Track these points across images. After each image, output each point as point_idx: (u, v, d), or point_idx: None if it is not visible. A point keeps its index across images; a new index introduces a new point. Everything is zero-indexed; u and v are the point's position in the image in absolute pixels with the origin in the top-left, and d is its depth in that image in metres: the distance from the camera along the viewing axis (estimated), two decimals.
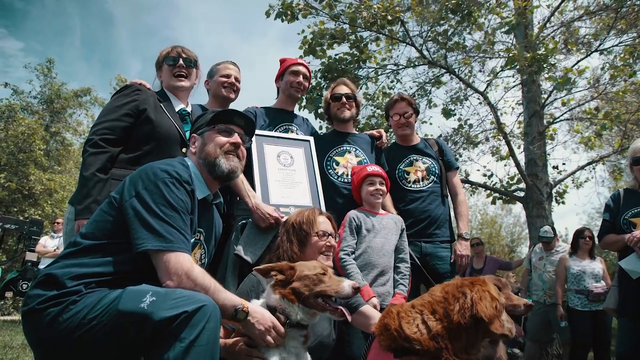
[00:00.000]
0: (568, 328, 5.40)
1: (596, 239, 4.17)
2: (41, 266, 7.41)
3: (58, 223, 8.42)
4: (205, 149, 1.93)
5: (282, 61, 3.41)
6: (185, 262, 1.56)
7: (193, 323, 1.36)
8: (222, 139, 1.96)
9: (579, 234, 5.50)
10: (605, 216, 3.31)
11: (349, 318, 1.87)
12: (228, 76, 3.13)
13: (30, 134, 15.25)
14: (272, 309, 1.77)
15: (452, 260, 3.24)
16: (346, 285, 1.79)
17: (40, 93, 18.04)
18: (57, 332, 1.45)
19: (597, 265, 5.29)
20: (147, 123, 2.42)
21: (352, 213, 2.93)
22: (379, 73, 8.62)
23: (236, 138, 1.99)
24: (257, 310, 1.69)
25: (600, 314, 5.03)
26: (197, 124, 2.05)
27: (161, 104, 2.55)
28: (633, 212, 3.12)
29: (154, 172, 1.68)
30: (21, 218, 12.58)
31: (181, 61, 2.71)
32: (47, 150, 17.27)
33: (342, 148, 3.29)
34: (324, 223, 2.35)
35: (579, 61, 7.75)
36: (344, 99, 3.35)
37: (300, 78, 3.29)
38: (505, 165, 9.22)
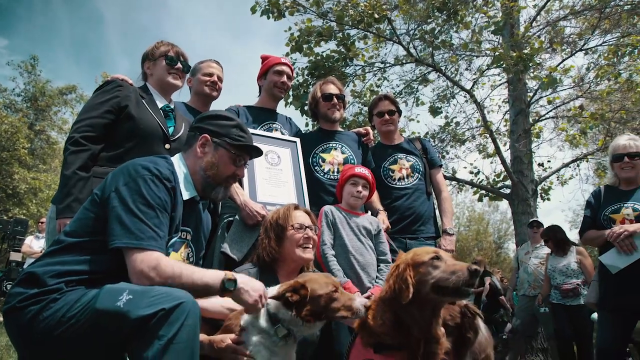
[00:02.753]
0: (550, 319, 5.54)
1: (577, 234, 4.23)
2: (26, 266, 7.31)
3: (43, 222, 8.28)
4: (213, 171, 1.91)
5: (264, 58, 3.39)
6: (151, 259, 1.52)
7: (171, 320, 1.34)
8: (233, 170, 1.96)
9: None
10: (586, 212, 3.37)
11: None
12: (211, 75, 3.12)
13: (14, 132, 14.96)
14: (276, 320, 1.76)
15: None
16: (359, 304, 1.78)
17: (24, 91, 17.71)
18: (37, 330, 1.43)
19: (569, 261, 5.35)
20: (129, 120, 2.38)
21: (327, 208, 2.86)
22: (366, 71, 8.65)
23: (243, 172, 2.04)
24: (244, 278, 1.65)
25: (575, 309, 5.15)
26: (217, 129, 1.95)
27: (143, 100, 2.50)
28: (612, 208, 3.18)
29: (135, 168, 1.66)
30: (5, 218, 12.39)
31: (179, 64, 2.67)
32: (31, 148, 16.95)
33: (328, 145, 3.29)
34: (300, 216, 2.34)
35: (563, 60, 7.85)
36: (335, 100, 3.34)
37: (284, 78, 3.29)
38: (491, 163, 9.35)
